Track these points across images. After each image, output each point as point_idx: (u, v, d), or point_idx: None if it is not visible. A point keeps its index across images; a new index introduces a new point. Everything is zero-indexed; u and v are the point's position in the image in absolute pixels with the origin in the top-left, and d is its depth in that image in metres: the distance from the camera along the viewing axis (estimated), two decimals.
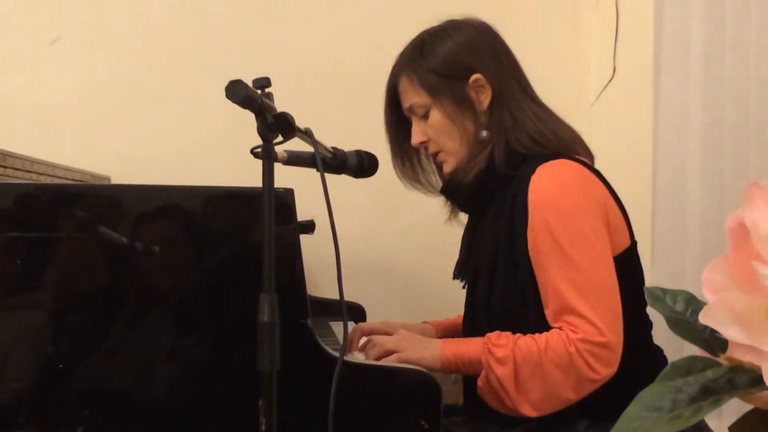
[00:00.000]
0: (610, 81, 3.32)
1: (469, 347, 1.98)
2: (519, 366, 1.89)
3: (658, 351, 2.12)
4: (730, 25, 2.76)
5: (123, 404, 1.88)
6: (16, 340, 1.88)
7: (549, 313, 1.94)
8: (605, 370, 1.87)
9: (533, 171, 1.97)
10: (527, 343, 1.91)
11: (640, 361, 1.94)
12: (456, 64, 2.09)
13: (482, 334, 1.99)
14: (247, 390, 1.59)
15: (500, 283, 2.01)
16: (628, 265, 2.03)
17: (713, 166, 2.79)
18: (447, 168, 2.16)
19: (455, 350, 1.99)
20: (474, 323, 2.09)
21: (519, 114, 2.07)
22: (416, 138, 2.16)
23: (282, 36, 3.29)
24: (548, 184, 1.95)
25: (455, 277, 2.28)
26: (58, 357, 1.85)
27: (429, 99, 2.10)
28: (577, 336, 1.87)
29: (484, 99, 2.08)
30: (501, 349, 1.91)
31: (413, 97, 2.12)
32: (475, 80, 2.07)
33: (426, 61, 2.10)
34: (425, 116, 2.12)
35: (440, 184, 2.27)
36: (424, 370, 1.94)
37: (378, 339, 2.07)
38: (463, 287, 2.24)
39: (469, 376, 2.02)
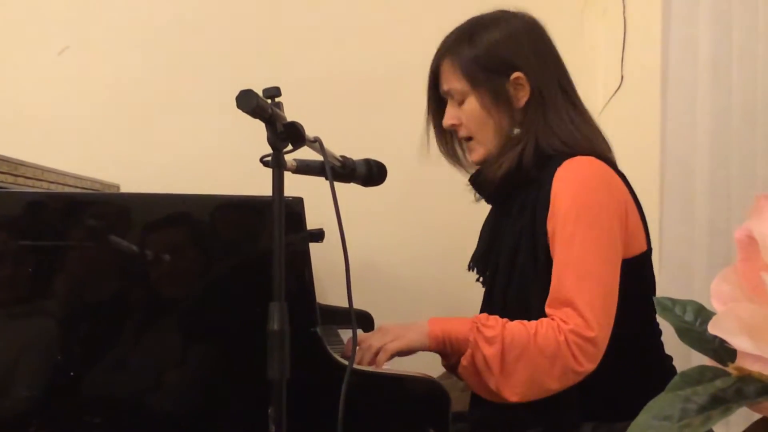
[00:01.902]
0: (617, 89, 3.32)
1: (457, 325, 1.97)
2: (507, 348, 1.89)
3: (668, 359, 2.12)
4: (736, 34, 2.76)
5: (133, 412, 1.89)
6: (27, 348, 1.89)
7: (548, 297, 1.94)
8: (588, 364, 1.87)
9: (560, 164, 1.98)
10: (517, 326, 1.91)
11: (649, 367, 1.95)
12: (500, 58, 2.09)
13: None
14: (257, 398, 1.60)
15: (518, 277, 2.02)
16: (641, 269, 2.05)
17: (720, 174, 2.79)
18: (474, 156, 2.17)
19: (443, 326, 1.98)
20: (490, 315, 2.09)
21: (554, 116, 2.07)
22: (448, 120, 2.17)
23: (291, 45, 3.30)
24: (572, 178, 1.97)
25: (470, 268, 2.28)
26: (69, 365, 1.86)
27: (468, 87, 2.10)
28: (567, 327, 1.87)
29: (522, 97, 2.09)
30: (490, 330, 1.91)
31: (453, 81, 2.13)
32: (516, 78, 2.08)
33: (471, 49, 2.10)
34: (461, 102, 2.13)
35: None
36: (432, 377, 1.94)
37: (364, 342, 2.04)
38: (477, 280, 2.25)
39: (451, 355, 2.02)
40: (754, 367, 0.76)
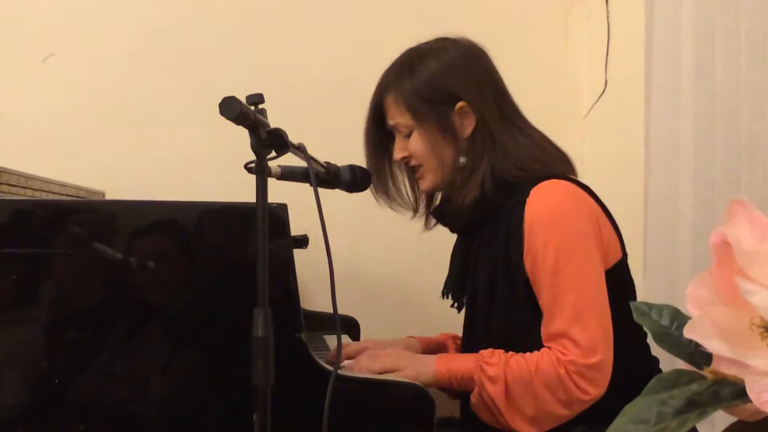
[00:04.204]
0: (601, 95, 3.33)
1: (463, 363, 2.00)
2: (510, 385, 1.92)
3: (655, 360, 2.14)
4: (719, 40, 2.77)
5: (118, 419, 1.89)
6: (12, 356, 1.89)
7: (543, 331, 1.96)
8: (594, 390, 1.90)
9: (527, 194, 1.99)
10: (518, 362, 1.94)
11: (636, 370, 1.96)
12: (441, 88, 2.09)
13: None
14: (242, 404, 1.60)
15: (500, 306, 2.03)
16: (619, 277, 2.06)
17: (704, 180, 2.80)
18: (424, 185, 2.18)
19: (449, 366, 2.01)
20: (473, 342, 2.10)
21: (500, 141, 2.08)
22: (398, 153, 2.17)
23: (275, 52, 3.30)
24: (543, 206, 1.97)
25: (444, 295, 2.29)
26: (54, 372, 1.86)
27: (412, 121, 2.11)
28: (566, 358, 1.90)
29: (468, 125, 2.09)
30: (493, 368, 1.94)
31: (398, 116, 2.13)
32: (461, 107, 2.08)
33: (411, 83, 2.10)
34: (408, 135, 2.13)
35: (412, 200, 2.30)
36: (417, 383, 1.95)
37: (377, 354, 2.08)
38: (452, 306, 2.26)
39: (463, 392, 2.04)
40: (730, 371, 0.77)
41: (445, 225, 2.23)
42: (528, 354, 1.95)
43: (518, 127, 2.13)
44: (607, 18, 3.34)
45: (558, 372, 1.89)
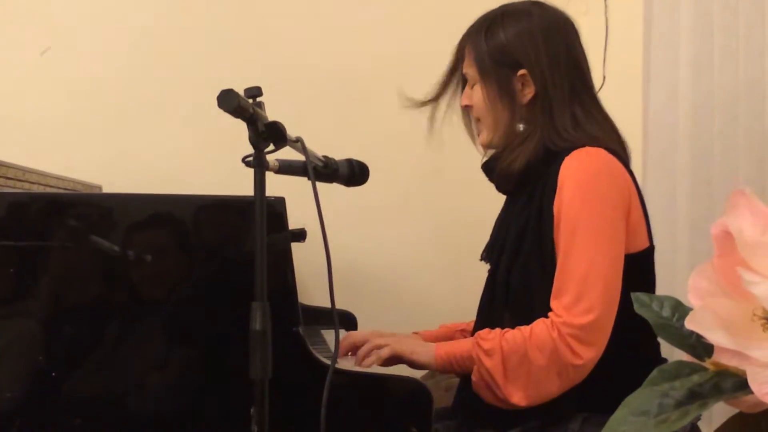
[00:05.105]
0: (599, 89, 3.32)
1: (461, 345, 2.03)
2: (506, 356, 1.93)
3: (664, 360, 2.14)
4: (718, 34, 2.77)
5: (115, 413, 1.88)
6: (8, 349, 1.88)
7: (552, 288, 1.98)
8: (588, 352, 1.90)
9: (568, 154, 2.01)
10: (513, 334, 1.95)
11: (644, 361, 1.96)
12: (510, 54, 2.12)
13: (500, 315, 2.05)
14: (240, 398, 1.60)
15: (522, 264, 2.04)
16: (642, 266, 2.07)
17: (702, 174, 2.80)
18: (480, 139, 2.24)
19: (447, 349, 2.04)
20: (492, 304, 2.11)
21: (559, 116, 2.09)
22: (463, 100, 2.24)
23: (273, 44, 3.30)
24: (578, 167, 2.00)
25: (482, 258, 2.30)
26: (51, 366, 1.86)
27: (477, 75, 2.16)
28: (560, 320, 1.90)
29: (527, 94, 2.11)
30: (489, 342, 1.96)
31: (468, 67, 2.19)
32: (522, 75, 2.11)
33: (486, 42, 2.14)
34: (473, 86, 2.19)
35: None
36: (415, 377, 1.95)
37: (371, 337, 2.12)
38: (489, 270, 2.27)
39: (463, 375, 2.04)
40: (731, 362, 0.76)
41: (491, 181, 2.25)
42: (524, 326, 1.95)
43: (584, 107, 2.13)
44: (606, 13, 3.33)
45: (551, 335, 1.90)
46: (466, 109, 2.25)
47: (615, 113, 3.24)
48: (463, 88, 2.26)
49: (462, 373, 2.05)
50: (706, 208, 2.80)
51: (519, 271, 2.05)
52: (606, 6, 3.32)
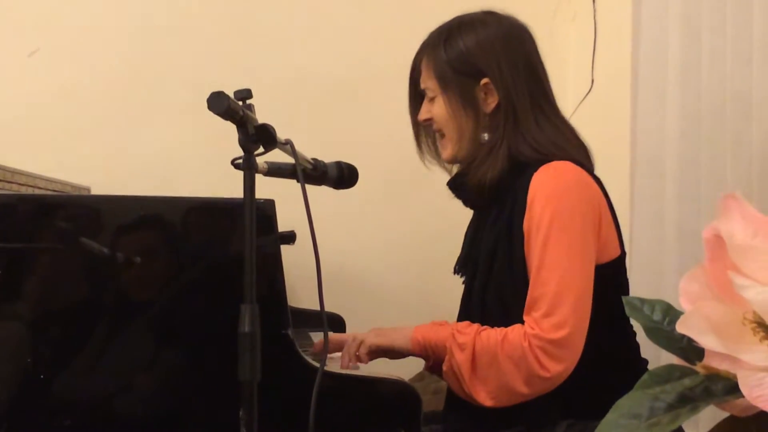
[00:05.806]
0: (588, 93, 3.33)
1: (438, 332, 2.04)
2: (477, 354, 1.94)
3: (644, 361, 2.14)
4: (706, 39, 2.77)
5: (104, 414, 1.88)
6: None
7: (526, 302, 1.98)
8: (556, 367, 1.90)
9: (537, 169, 2.01)
10: (489, 334, 1.96)
11: (624, 367, 1.97)
12: (471, 63, 2.11)
13: None
14: (228, 400, 1.60)
15: (496, 278, 2.04)
16: (615, 274, 2.08)
17: (690, 178, 2.81)
18: (443, 154, 2.21)
19: (424, 334, 2.05)
20: (469, 318, 2.11)
21: (523, 123, 2.08)
22: (422, 115, 2.20)
23: (263, 47, 3.30)
24: (548, 182, 1.99)
25: (456, 272, 2.30)
26: (39, 367, 1.85)
27: (438, 87, 2.13)
28: (532, 332, 1.91)
29: (491, 102, 2.10)
30: (464, 336, 1.97)
31: (426, 80, 2.17)
32: (485, 83, 2.10)
33: (445, 52, 2.12)
34: (432, 99, 2.16)
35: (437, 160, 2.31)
36: (403, 379, 1.96)
37: (356, 336, 2.12)
38: (463, 283, 2.27)
39: (438, 363, 2.05)
40: (722, 366, 0.77)
41: (458, 198, 2.24)
42: (502, 328, 1.96)
43: (545, 114, 2.13)
44: (594, 17, 3.34)
45: (522, 345, 1.90)
46: (425, 123, 2.22)
47: (603, 117, 3.26)
48: (420, 102, 2.25)
49: (435, 359, 2.05)
50: (694, 212, 2.80)
51: (492, 291, 2.06)
52: (595, 11, 3.33)
